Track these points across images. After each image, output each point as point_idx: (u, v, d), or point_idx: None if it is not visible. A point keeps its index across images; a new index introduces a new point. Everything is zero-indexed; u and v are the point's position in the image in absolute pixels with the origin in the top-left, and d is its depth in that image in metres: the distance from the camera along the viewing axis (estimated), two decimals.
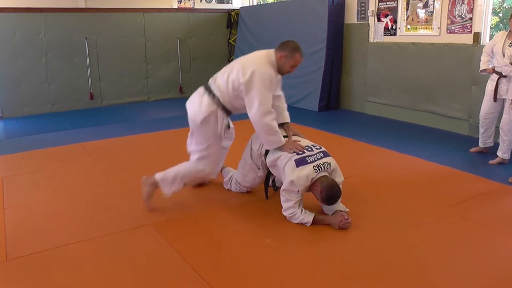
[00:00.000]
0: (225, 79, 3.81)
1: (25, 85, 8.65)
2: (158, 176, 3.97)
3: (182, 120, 7.72)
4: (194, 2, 10.34)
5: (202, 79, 10.50)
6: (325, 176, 3.59)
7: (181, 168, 4.02)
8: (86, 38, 9.10)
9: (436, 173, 4.92)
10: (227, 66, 3.91)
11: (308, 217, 3.60)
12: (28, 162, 5.45)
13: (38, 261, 3.14)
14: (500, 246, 3.32)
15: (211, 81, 3.96)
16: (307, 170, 3.55)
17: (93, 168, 5.22)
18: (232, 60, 10.58)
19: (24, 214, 3.95)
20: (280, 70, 3.83)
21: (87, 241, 3.41)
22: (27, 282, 2.91)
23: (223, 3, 10.78)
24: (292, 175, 3.56)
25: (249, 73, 3.65)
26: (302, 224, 3.61)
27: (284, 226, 3.61)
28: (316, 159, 3.63)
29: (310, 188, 3.60)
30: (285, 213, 3.68)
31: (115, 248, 3.32)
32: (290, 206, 3.63)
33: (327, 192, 3.51)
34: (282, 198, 3.70)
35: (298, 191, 3.58)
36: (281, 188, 3.68)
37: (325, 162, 3.63)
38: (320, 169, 3.58)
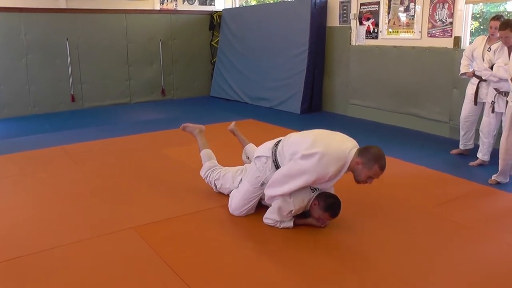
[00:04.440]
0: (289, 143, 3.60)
1: (4, 87, 8.52)
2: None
3: (164, 122, 7.74)
4: (176, 4, 10.31)
5: (184, 81, 10.53)
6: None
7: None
8: (67, 39, 9.00)
9: (417, 175, 4.97)
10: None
11: (288, 223, 3.60)
12: (8, 166, 5.37)
13: (19, 266, 3.10)
14: (480, 246, 3.37)
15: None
16: (303, 189, 3.51)
17: (75, 171, 5.16)
18: (214, 62, 10.60)
19: (5, 218, 3.88)
20: (354, 177, 3.41)
21: (69, 245, 3.37)
22: (8, 287, 2.87)
23: (206, 4, 10.77)
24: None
25: (314, 151, 3.34)
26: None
27: (267, 229, 3.61)
28: None
29: (309, 208, 3.58)
30: (265, 221, 3.67)
31: (97, 252, 3.29)
32: (273, 220, 3.61)
33: (325, 200, 3.49)
34: (270, 209, 3.63)
35: (292, 210, 3.52)
36: (276, 203, 3.56)
37: None
38: (316, 189, 3.58)
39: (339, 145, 3.39)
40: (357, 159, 3.30)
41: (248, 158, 4.35)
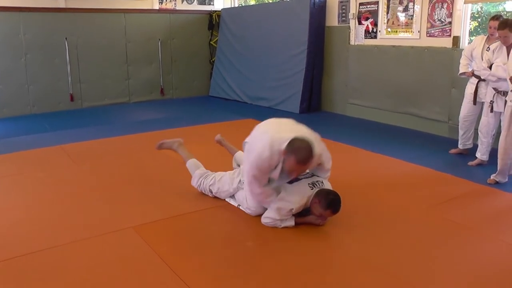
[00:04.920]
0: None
1: (4, 86, 8.51)
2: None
3: (163, 122, 7.74)
4: (175, 3, 10.30)
5: (183, 81, 10.52)
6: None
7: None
8: (66, 38, 8.99)
9: (416, 174, 4.97)
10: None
11: (289, 222, 3.59)
12: (7, 165, 5.36)
13: (18, 266, 3.10)
14: (479, 246, 3.37)
15: None
16: (302, 187, 3.54)
17: (74, 171, 5.16)
18: (213, 61, 10.59)
19: (4, 218, 3.89)
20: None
21: (67, 245, 3.37)
22: (6, 287, 2.86)
23: (205, 4, 10.76)
24: (285, 193, 3.55)
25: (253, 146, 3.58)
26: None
27: (267, 228, 3.61)
28: (307, 176, 3.65)
29: (310, 206, 3.55)
30: (263, 221, 3.65)
31: (96, 252, 3.29)
32: (272, 220, 3.60)
33: (325, 198, 3.46)
34: (269, 209, 3.62)
35: (292, 209, 3.52)
36: (274, 205, 3.56)
37: (317, 181, 3.63)
38: (315, 186, 3.58)
39: (277, 134, 3.46)
40: (285, 149, 3.32)
41: (238, 165, 4.32)
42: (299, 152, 3.28)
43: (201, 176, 4.25)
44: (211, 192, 4.19)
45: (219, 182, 4.12)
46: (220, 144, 4.65)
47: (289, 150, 3.29)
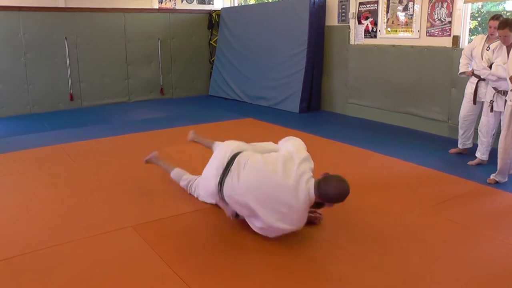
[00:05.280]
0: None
1: (3, 86, 8.51)
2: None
3: (162, 121, 7.74)
4: (175, 3, 10.29)
5: (183, 80, 10.52)
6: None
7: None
8: (66, 38, 8.99)
9: (416, 174, 4.97)
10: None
11: None
12: (7, 164, 5.36)
13: (16, 265, 3.09)
14: (479, 246, 3.37)
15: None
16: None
17: (73, 170, 5.16)
18: (213, 61, 10.57)
19: (3, 217, 3.88)
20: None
21: (66, 244, 3.37)
22: (5, 286, 2.86)
23: (204, 3, 10.75)
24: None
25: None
26: None
27: None
28: None
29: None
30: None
31: (95, 251, 3.29)
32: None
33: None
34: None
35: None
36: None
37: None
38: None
39: (294, 203, 3.17)
40: (321, 197, 3.17)
41: None
42: (341, 196, 3.18)
43: (187, 187, 4.26)
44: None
45: (199, 190, 4.09)
46: (194, 142, 4.51)
47: (331, 200, 3.17)
